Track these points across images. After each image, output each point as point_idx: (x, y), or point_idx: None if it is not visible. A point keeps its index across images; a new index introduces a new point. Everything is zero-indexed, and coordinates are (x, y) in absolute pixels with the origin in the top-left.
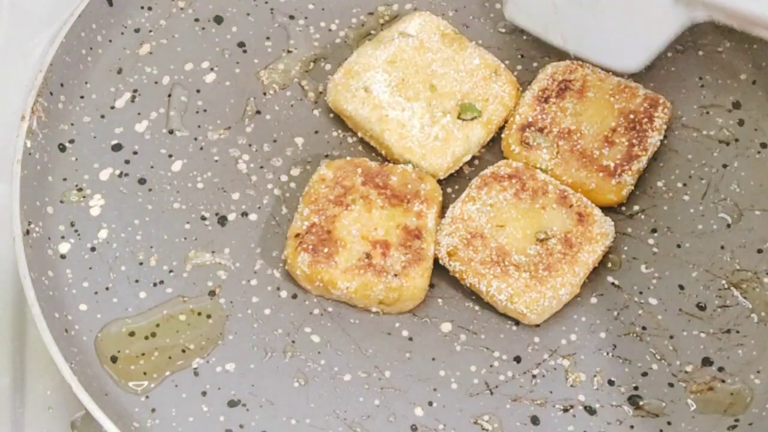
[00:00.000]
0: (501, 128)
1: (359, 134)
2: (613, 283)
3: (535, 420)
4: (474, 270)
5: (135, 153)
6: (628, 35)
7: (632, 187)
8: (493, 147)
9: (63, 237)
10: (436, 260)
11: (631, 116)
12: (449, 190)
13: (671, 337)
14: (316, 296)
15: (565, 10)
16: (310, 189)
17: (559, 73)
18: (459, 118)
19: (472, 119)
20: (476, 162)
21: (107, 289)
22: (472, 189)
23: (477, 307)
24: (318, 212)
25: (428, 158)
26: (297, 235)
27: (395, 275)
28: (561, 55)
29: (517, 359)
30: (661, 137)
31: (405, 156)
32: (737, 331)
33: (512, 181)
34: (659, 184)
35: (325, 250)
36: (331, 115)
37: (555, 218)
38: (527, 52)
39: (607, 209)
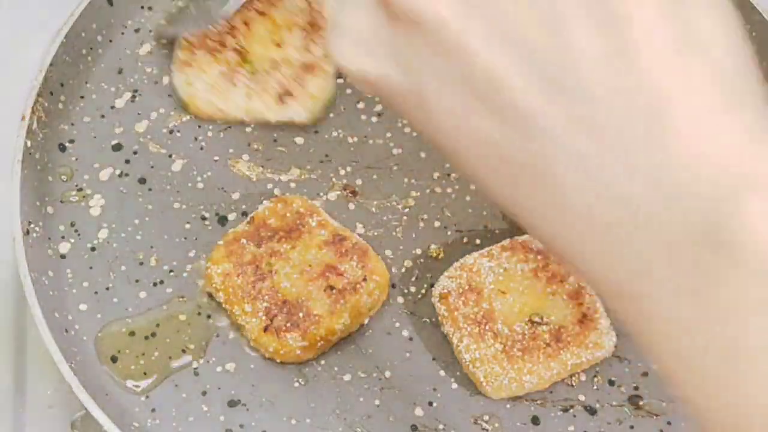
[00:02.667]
0: None
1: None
2: None
3: (535, 420)
4: (454, 320)
5: (135, 153)
6: None
7: None
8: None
9: (63, 237)
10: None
11: None
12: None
13: None
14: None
15: None
16: (225, 291)
17: None
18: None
19: None
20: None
21: (107, 289)
22: (496, 247)
23: None
24: (256, 299)
25: None
26: (266, 330)
27: (364, 279)
28: None
29: None
30: None
31: None
32: None
33: (537, 258)
34: None
35: (300, 314)
36: (331, 114)
37: (558, 308)
38: None
39: None
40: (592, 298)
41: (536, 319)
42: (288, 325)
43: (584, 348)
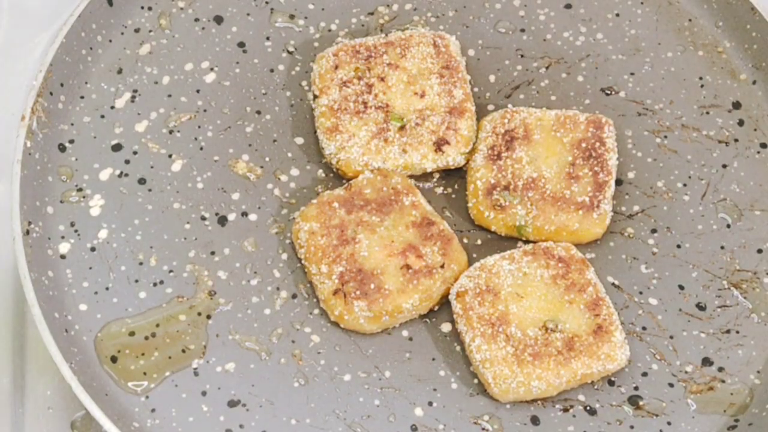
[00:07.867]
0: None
1: None
2: (613, 283)
3: (535, 420)
4: (468, 319)
5: (135, 153)
6: None
7: (612, 214)
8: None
9: (63, 237)
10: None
11: (583, 145)
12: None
13: (671, 337)
14: (377, 332)
15: None
16: (308, 248)
17: (499, 126)
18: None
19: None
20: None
21: (107, 289)
22: (518, 251)
23: None
24: (334, 262)
25: None
26: (336, 293)
27: (441, 266)
28: (560, 54)
29: None
30: (617, 155)
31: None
32: (737, 331)
33: (558, 265)
34: (659, 184)
35: (371, 286)
36: None
37: (574, 317)
38: (527, 52)
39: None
40: (610, 310)
41: (550, 325)
42: (357, 293)
43: (596, 359)
